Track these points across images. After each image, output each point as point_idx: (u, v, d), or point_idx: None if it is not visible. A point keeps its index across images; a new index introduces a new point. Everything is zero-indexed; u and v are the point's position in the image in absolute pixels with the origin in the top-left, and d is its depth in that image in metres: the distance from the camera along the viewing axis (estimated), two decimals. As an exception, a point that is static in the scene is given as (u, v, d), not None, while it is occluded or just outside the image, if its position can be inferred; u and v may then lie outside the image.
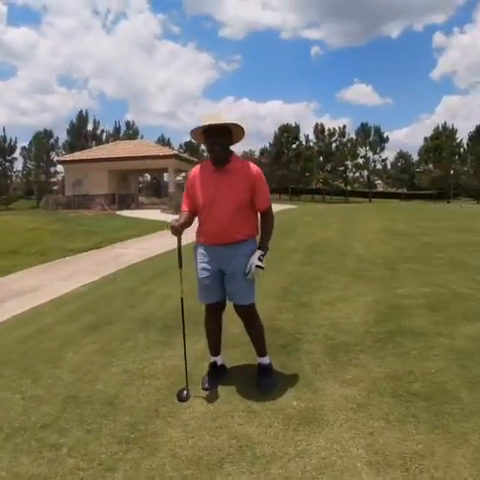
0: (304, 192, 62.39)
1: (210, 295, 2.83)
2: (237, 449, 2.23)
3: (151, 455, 2.24)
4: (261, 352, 2.97)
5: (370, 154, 61.44)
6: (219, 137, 2.62)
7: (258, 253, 2.69)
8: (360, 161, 61.72)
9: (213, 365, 3.01)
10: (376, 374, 2.91)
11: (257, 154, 63.58)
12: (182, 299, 2.89)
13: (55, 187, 46.72)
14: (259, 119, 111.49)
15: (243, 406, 2.63)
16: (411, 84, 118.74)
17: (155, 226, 13.90)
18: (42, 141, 51.82)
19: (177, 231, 2.69)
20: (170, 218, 2.89)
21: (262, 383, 2.84)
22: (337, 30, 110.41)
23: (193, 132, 2.73)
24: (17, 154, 50.81)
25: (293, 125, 61.48)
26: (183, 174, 30.67)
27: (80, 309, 4.99)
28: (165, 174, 38.34)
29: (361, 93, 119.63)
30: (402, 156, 67.30)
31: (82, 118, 54.78)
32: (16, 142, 49.09)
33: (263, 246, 2.76)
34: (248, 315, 2.85)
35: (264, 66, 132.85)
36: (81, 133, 52.40)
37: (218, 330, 2.99)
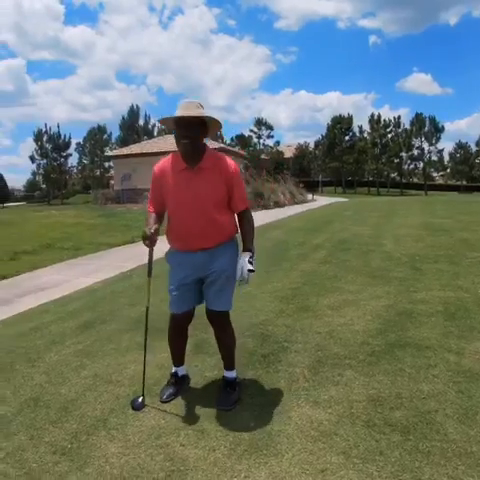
0: (360, 184, 60.42)
1: (183, 304, 2.60)
2: (167, 474, 1.99)
3: (78, 470, 2.06)
4: (228, 365, 2.71)
5: (425, 145, 58.31)
6: (191, 130, 2.32)
7: (247, 256, 2.40)
8: (415, 152, 58.74)
9: (174, 375, 2.79)
10: (356, 396, 2.54)
11: (312, 146, 62.20)
12: (147, 308, 2.73)
13: (112, 181, 48.46)
14: (316, 110, 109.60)
15: (194, 424, 2.38)
16: (472, 72, 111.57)
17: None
18: (96, 137, 53.79)
19: (152, 241, 2.42)
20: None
21: (223, 399, 2.57)
22: (393, 18, 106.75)
23: (163, 120, 2.46)
24: (72, 150, 52.95)
25: (346, 116, 59.51)
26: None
27: (83, 307, 4.92)
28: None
29: (421, 82, 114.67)
30: (461, 147, 63.19)
31: (133, 113, 55.89)
32: (70, 138, 51.07)
33: (248, 248, 2.46)
34: (222, 323, 2.62)
35: (321, 57, 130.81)
36: (133, 128, 53.69)
37: (183, 340, 2.80)
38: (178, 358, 2.80)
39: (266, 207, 20.17)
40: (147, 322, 2.73)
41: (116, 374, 3.06)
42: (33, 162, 49.13)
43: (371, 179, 61.02)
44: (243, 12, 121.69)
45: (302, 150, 60.39)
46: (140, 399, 2.63)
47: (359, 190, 58.06)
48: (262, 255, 7.08)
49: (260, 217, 15.41)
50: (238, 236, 2.59)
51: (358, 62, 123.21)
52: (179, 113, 2.32)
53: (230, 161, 2.45)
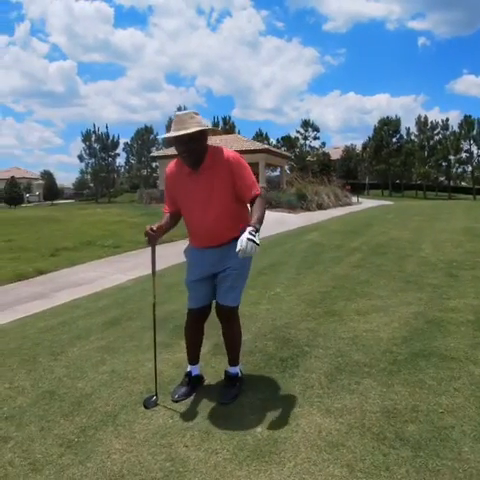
0: (407, 188, 58.50)
1: (198, 299, 2.66)
2: (165, 474, 1.97)
3: (80, 464, 2.09)
4: (232, 360, 2.74)
5: (474, 148, 55.54)
6: (188, 145, 2.36)
7: (248, 229, 2.22)
8: (463, 156, 56.11)
9: (188, 375, 2.78)
10: (371, 406, 2.42)
11: (359, 148, 60.82)
12: (154, 304, 2.76)
13: (158, 181, 49.52)
14: (365, 113, 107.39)
15: (201, 425, 2.35)
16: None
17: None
18: (143, 137, 55.18)
19: (150, 237, 2.56)
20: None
21: (223, 393, 2.63)
22: (443, 20, 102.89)
23: (165, 139, 2.62)
24: (120, 150, 54.50)
25: (394, 118, 57.82)
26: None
27: (113, 303, 5.03)
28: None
29: (471, 84, 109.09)
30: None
31: (179, 114, 56.81)
32: (119, 138, 52.62)
33: (253, 222, 2.27)
34: (229, 318, 2.63)
35: (370, 59, 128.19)
36: (178, 129, 54.35)
37: (199, 337, 2.80)
38: (193, 356, 2.80)
39: (308, 209, 19.95)
40: (155, 317, 2.76)
41: (133, 371, 3.08)
42: (81, 161, 51.02)
43: (419, 182, 58.91)
44: (291, 14, 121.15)
45: (349, 152, 59.18)
46: (153, 398, 2.64)
47: (407, 193, 56.23)
48: (296, 257, 7.00)
49: (300, 219, 15.30)
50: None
51: (407, 64, 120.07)
52: (173, 131, 2.36)
53: (227, 151, 2.44)
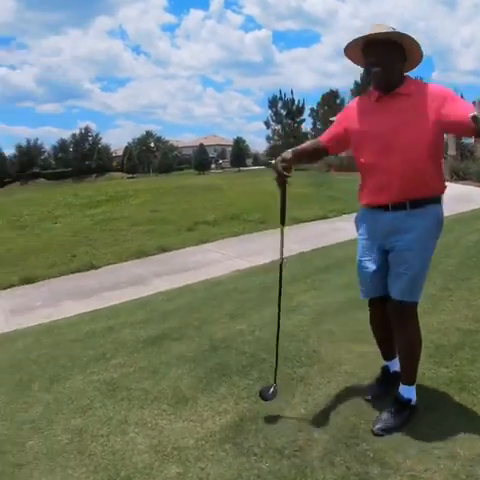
0: None
1: (368, 288, 2.17)
2: None
3: None
4: (406, 376, 2.12)
5: None
6: (381, 54, 1.90)
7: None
8: None
9: (384, 370, 2.39)
10: None
11: None
12: (281, 265, 2.29)
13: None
14: None
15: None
16: None
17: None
18: (329, 102, 53.05)
19: (284, 165, 2.06)
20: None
21: (382, 419, 2.05)
22: None
23: (346, 50, 2.04)
24: (306, 115, 53.61)
25: None
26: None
27: (187, 305, 4.22)
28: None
29: None
30: None
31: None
32: (304, 104, 51.67)
33: None
34: (399, 317, 2.06)
35: None
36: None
37: (384, 332, 2.26)
38: (383, 352, 2.38)
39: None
40: (281, 282, 2.28)
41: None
42: (268, 128, 52.04)
43: None
44: None
45: None
46: (272, 389, 2.29)
47: None
48: (453, 257, 4.97)
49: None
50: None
51: None
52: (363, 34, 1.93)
53: (437, 85, 1.98)
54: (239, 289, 4.60)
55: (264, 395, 2.27)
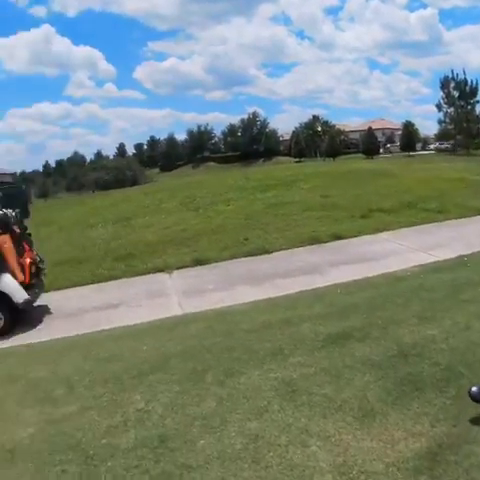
0: None
1: None
2: None
3: None
4: None
5: None
6: None
7: None
8: None
9: None
10: None
11: None
12: None
13: None
14: None
15: None
16: None
17: None
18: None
19: None
20: None
21: None
22: None
23: None
24: (480, 97, 46.16)
25: None
26: None
27: (369, 301, 3.88)
28: None
29: None
30: None
31: None
32: (477, 84, 44.52)
33: None
34: None
35: None
36: None
37: None
38: None
39: None
40: None
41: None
42: (439, 110, 46.88)
43: None
44: None
45: None
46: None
47: None
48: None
49: None
50: None
51: None
52: None
53: None
54: (426, 287, 4.16)
55: (475, 395, 1.98)
